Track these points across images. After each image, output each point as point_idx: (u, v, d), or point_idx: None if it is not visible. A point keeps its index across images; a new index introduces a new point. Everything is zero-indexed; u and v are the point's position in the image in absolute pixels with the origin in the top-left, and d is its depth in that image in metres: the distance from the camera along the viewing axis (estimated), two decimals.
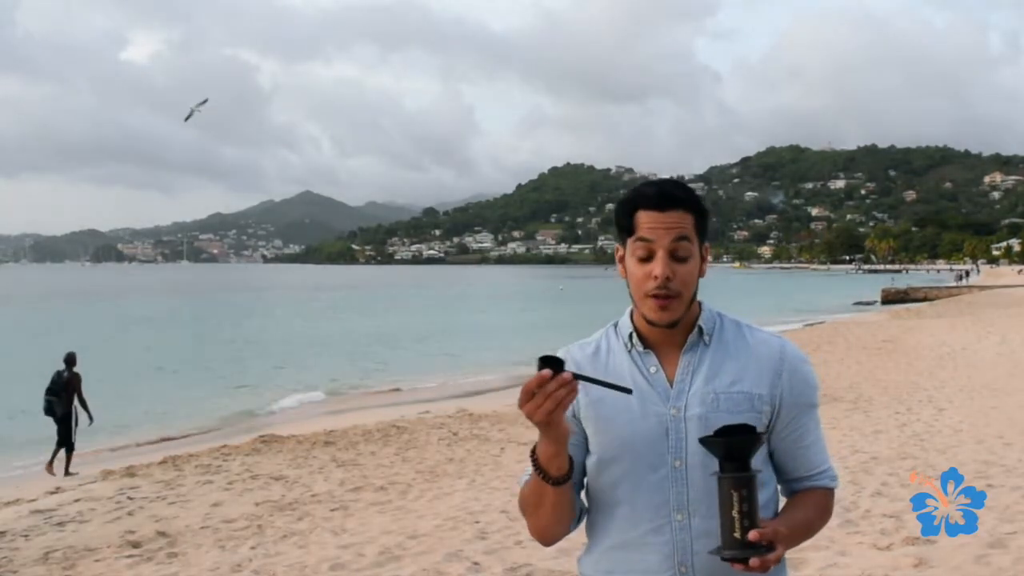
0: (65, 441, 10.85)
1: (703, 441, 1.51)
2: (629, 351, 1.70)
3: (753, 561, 1.46)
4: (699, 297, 1.71)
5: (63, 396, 10.89)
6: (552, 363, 1.47)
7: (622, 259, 1.69)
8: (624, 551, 1.65)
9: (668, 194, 1.63)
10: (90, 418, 11.15)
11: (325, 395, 18.98)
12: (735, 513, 1.46)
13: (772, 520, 1.56)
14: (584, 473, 1.72)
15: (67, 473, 10.66)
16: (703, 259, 1.68)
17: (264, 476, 9.42)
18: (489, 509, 7.19)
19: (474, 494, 7.94)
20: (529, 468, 1.65)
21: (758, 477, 1.50)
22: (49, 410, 10.92)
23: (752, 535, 1.45)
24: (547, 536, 1.69)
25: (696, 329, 1.68)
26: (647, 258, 1.62)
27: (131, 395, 19.11)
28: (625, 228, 1.66)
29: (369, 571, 5.66)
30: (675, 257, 1.61)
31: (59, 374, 11.07)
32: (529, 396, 1.47)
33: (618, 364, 1.70)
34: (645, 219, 1.62)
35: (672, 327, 1.65)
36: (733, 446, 1.47)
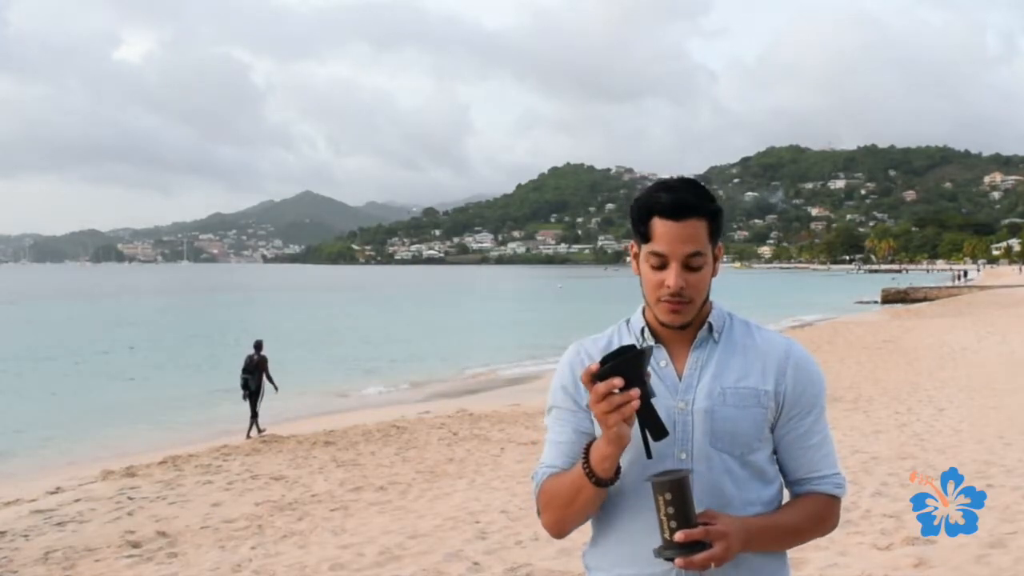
0: (254, 410, 13.22)
1: (602, 370, 1.49)
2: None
3: (678, 560, 1.51)
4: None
5: (255, 374, 13.27)
6: (624, 362, 1.48)
7: (636, 256, 1.72)
8: (629, 543, 1.67)
9: (683, 202, 1.62)
10: (275, 388, 13.53)
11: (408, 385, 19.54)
12: (662, 516, 1.51)
13: (720, 517, 1.56)
14: None
15: (249, 435, 12.86)
16: (716, 257, 1.70)
17: (264, 476, 9.42)
18: (489, 509, 7.19)
19: (474, 494, 7.94)
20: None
21: (690, 478, 1.53)
22: (244, 386, 13.27)
23: (678, 536, 1.49)
24: (563, 529, 1.72)
25: (706, 326, 1.72)
26: (661, 267, 1.65)
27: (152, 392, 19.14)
28: (640, 234, 1.67)
29: (369, 571, 5.65)
30: (688, 267, 1.64)
31: (250, 358, 13.45)
32: (599, 399, 1.49)
33: None
34: (660, 228, 1.63)
35: (683, 329, 1.69)
36: (625, 365, 1.49)
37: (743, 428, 1.65)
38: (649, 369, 1.53)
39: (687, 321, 1.67)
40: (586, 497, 1.62)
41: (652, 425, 1.52)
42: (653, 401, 1.52)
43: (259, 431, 13.19)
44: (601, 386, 1.48)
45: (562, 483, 1.67)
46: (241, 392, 13.27)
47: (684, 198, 1.62)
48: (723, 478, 1.63)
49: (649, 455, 1.54)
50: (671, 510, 1.50)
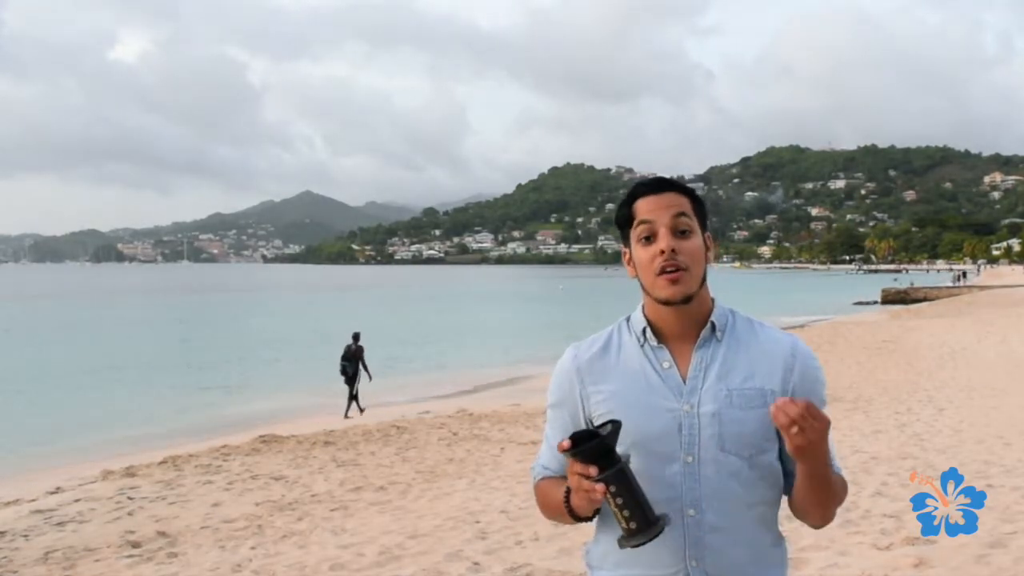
0: (352, 393, 15.10)
1: (571, 455, 1.50)
2: (641, 346, 1.71)
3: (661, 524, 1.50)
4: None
5: (352, 361, 15.21)
6: (587, 450, 1.49)
7: (629, 260, 1.73)
8: None
9: (662, 180, 1.72)
10: (369, 376, 15.47)
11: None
12: (614, 508, 1.50)
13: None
14: None
15: (348, 415, 14.72)
16: (708, 247, 1.71)
17: (264, 476, 9.42)
18: (489, 509, 7.19)
19: (474, 494, 7.94)
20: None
21: (628, 464, 1.52)
22: (343, 371, 15.24)
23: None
24: (558, 523, 1.83)
25: (709, 325, 1.70)
26: (650, 238, 1.67)
27: (152, 392, 19.15)
28: (626, 218, 1.71)
29: (369, 571, 5.65)
30: (677, 232, 1.66)
31: (348, 347, 15.42)
32: (573, 475, 1.51)
33: (629, 359, 1.71)
34: (643, 204, 1.69)
35: (686, 303, 1.66)
36: (593, 451, 1.49)
37: (751, 429, 1.63)
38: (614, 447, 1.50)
39: (688, 293, 1.65)
40: (572, 519, 1.65)
41: (635, 513, 1.49)
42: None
43: (360, 410, 14.95)
44: (577, 467, 1.49)
45: (552, 498, 1.69)
46: (342, 377, 15.15)
47: (663, 178, 1.73)
48: (730, 481, 1.62)
49: (628, 538, 1.51)
50: (620, 500, 1.49)
